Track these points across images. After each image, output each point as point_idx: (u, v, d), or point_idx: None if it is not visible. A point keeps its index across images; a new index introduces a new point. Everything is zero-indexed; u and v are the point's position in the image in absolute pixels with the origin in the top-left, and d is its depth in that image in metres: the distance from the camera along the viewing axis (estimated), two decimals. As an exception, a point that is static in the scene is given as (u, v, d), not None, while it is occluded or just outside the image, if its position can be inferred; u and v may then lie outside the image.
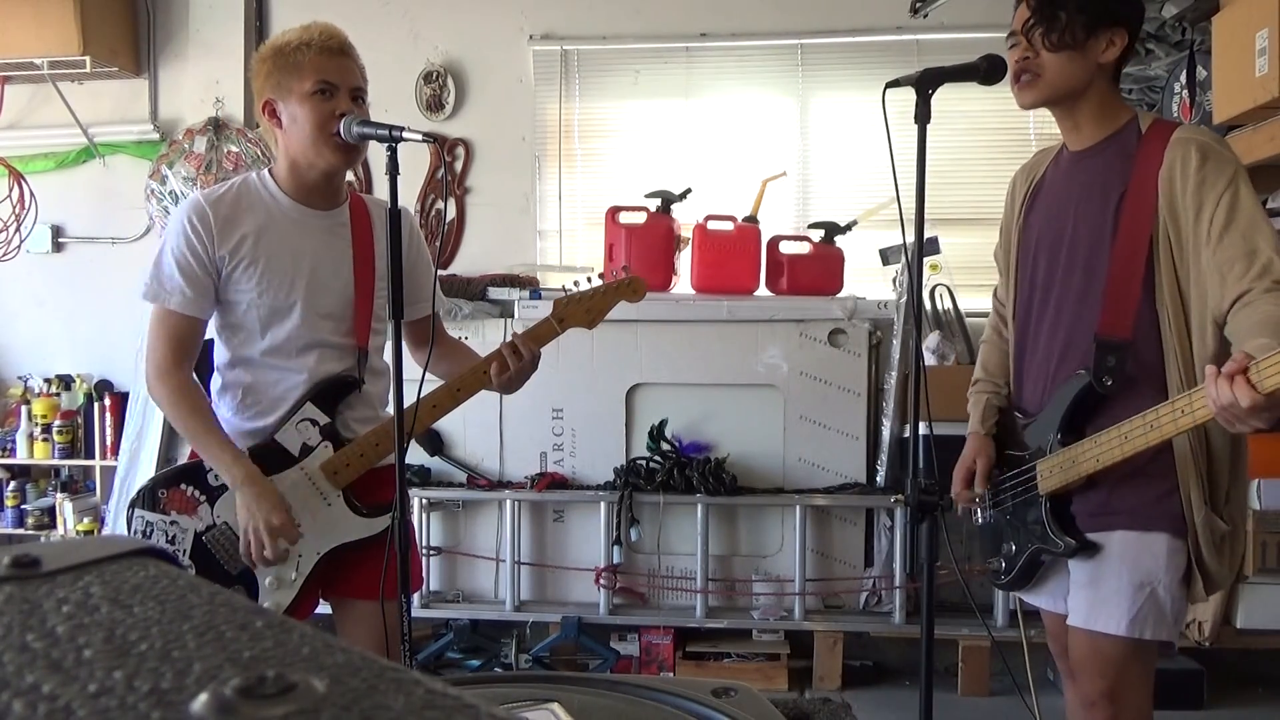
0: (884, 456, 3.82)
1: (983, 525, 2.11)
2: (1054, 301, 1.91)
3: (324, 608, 2.17)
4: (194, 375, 2.03)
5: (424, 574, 3.88)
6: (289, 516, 1.96)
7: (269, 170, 2.07)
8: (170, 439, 4.15)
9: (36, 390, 4.60)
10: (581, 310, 2.16)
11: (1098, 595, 1.81)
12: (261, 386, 2.03)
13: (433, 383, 2.10)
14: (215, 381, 2.08)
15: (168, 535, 1.98)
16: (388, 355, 2.13)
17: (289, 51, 1.96)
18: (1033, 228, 1.99)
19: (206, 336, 2.07)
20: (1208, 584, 1.80)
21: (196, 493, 2.00)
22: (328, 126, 1.94)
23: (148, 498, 2.01)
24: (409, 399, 1.93)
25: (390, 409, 2.09)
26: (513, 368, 2.06)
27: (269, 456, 2.00)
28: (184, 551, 1.98)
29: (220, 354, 2.07)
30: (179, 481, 2.02)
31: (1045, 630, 2.09)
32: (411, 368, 2.15)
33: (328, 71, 1.95)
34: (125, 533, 2.04)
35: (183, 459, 2.16)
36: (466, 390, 2.09)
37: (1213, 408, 1.51)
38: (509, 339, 2.09)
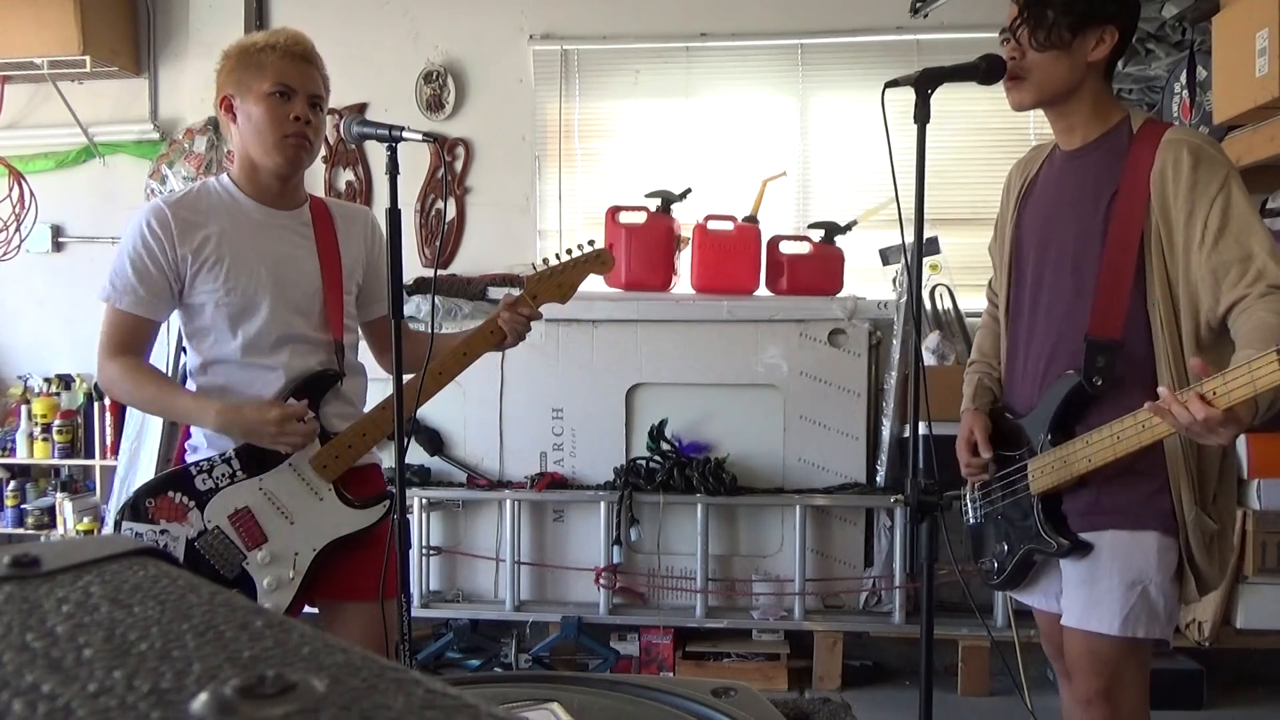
0: (884, 456, 3.82)
1: (973, 525, 2.11)
2: (1044, 301, 1.91)
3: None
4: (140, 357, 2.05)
5: (420, 574, 3.88)
6: (277, 404, 1.96)
7: (227, 174, 2.09)
8: (170, 438, 4.14)
9: (36, 390, 4.60)
10: (553, 285, 2.16)
11: (1091, 595, 1.81)
12: (238, 387, 2.02)
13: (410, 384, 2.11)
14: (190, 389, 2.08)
15: (158, 545, 1.96)
16: (363, 355, 2.17)
17: (254, 51, 1.99)
18: (1024, 226, 1.99)
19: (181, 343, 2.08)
20: (1200, 584, 1.81)
21: (185, 499, 1.98)
22: (280, 128, 1.96)
23: (133, 510, 1.99)
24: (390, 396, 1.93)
25: (368, 408, 2.11)
26: (519, 324, 2.09)
27: (256, 455, 2.00)
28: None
29: (192, 361, 2.06)
30: (166, 489, 2.00)
31: (1038, 630, 2.10)
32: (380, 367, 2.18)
33: (288, 75, 1.97)
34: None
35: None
36: (473, 354, 2.10)
37: (1176, 426, 1.56)
38: (505, 300, 2.11)
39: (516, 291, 2.16)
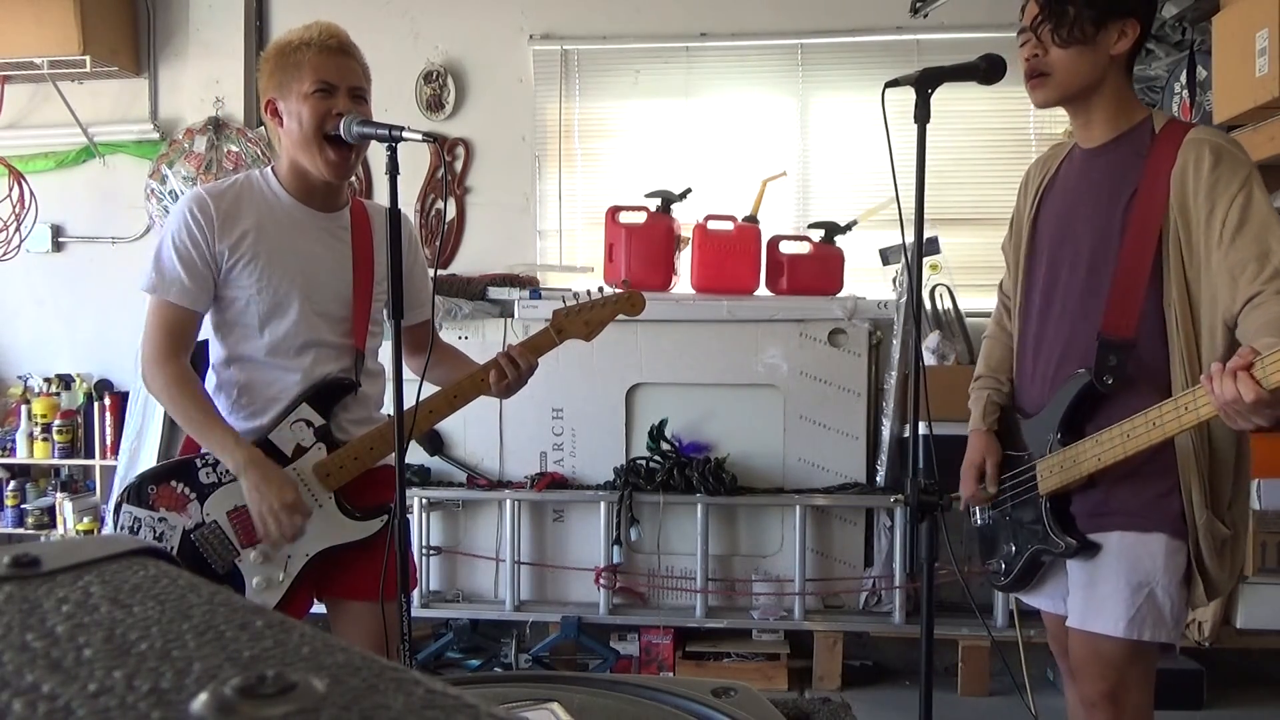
0: (884, 456, 3.82)
1: (981, 526, 2.10)
2: (1058, 300, 1.90)
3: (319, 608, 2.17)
4: (190, 366, 2.03)
5: (419, 573, 3.88)
6: (298, 492, 1.96)
7: (272, 168, 2.07)
8: (170, 438, 4.14)
9: (36, 390, 4.60)
10: (580, 322, 2.17)
11: (1095, 596, 1.81)
12: (258, 386, 2.02)
13: (429, 387, 2.11)
14: (210, 380, 2.07)
15: (155, 532, 1.96)
16: (383, 357, 2.13)
17: (290, 51, 1.96)
18: (1042, 224, 1.97)
19: (201, 337, 2.07)
20: (1208, 588, 1.79)
21: (187, 490, 1.98)
22: (324, 125, 1.94)
23: (136, 493, 1.99)
24: (407, 400, 1.93)
25: (385, 410, 2.10)
26: (510, 377, 2.08)
27: None
28: (172, 549, 1.95)
29: (216, 352, 2.06)
30: (169, 478, 2.00)
31: (1046, 631, 2.09)
32: (409, 368, 2.16)
33: (327, 71, 1.95)
34: (112, 528, 2.03)
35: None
36: (464, 397, 2.09)
37: (1215, 403, 1.51)
38: (506, 349, 2.10)
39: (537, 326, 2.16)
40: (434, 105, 4.43)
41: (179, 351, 1.99)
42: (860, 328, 3.85)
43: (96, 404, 4.49)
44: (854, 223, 3.98)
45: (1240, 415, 1.50)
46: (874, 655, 3.94)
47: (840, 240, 3.97)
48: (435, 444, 3.98)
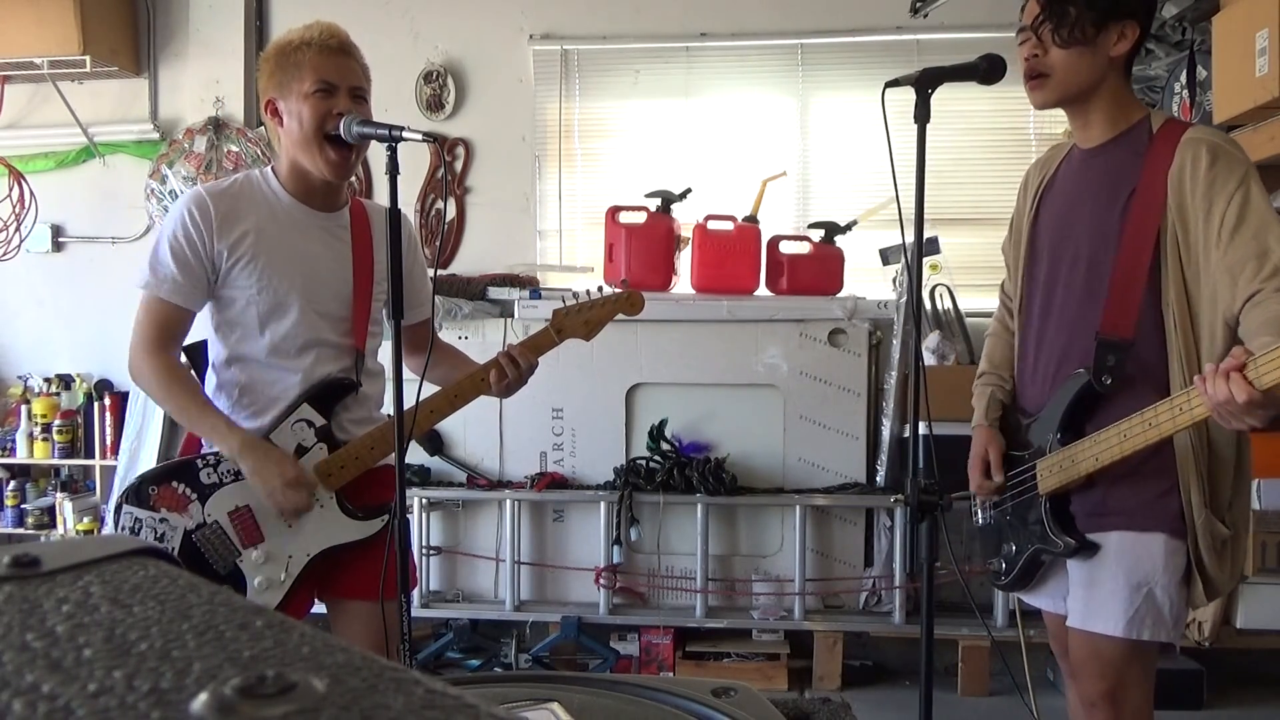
0: (884, 456, 3.82)
1: (982, 526, 2.10)
2: (1058, 300, 1.90)
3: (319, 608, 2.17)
4: (178, 359, 2.03)
5: (419, 573, 3.88)
6: (299, 466, 1.96)
7: (272, 168, 2.07)
8: (170, 438, 4.14)
9: (36, 390, 4.60)
10: (579, 321, 2.18)
11: (1094, 596, 1.81)
12: (258, 386, 2.02)
13: (429, 387, 2.11)
14: (210, 381, 2.07)
15: (156, 533, 1.96)
16: (383, 357, 2.14)
17: (290, 51, 1.97)
18: (1041, 225, 1.98)
19: (201, 337, 2.07)
20: (1208, 589, 1.79)
21: (188, 490, 1.99)
22: (325, 125, 1.94)
23: (136, 494, 1.99)
24: (407, 400, 1.93)
25: (386, 410, 2.10)
26: (510, 376, 2.09)
27: None
28: (173, 549, 1.95)
29: (216, 352, 2.06)
30: (170, 478, 2.00)
31: (1046, 630, 2.09)
32: (409, 368, 2.16)
33: (327, 71, 1.95)
34: (113, 529, 2.03)
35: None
36: (464, 397, 2.09)
37: (1209, 404, 1.52)
38: (506, 348, 2.10)
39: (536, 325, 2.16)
40: (434, 105, 4.43)
41: (167, 345, 1.99)
42: (860, 328, 3.85)
43: (96, 404, 4.49)
44: (854, 223, 3.98)
45: (1233, 416, 1.50)
46: (874, 655, 3.94)
47: (840, 240, 3.97)
48: (435, 444, 3.98)
